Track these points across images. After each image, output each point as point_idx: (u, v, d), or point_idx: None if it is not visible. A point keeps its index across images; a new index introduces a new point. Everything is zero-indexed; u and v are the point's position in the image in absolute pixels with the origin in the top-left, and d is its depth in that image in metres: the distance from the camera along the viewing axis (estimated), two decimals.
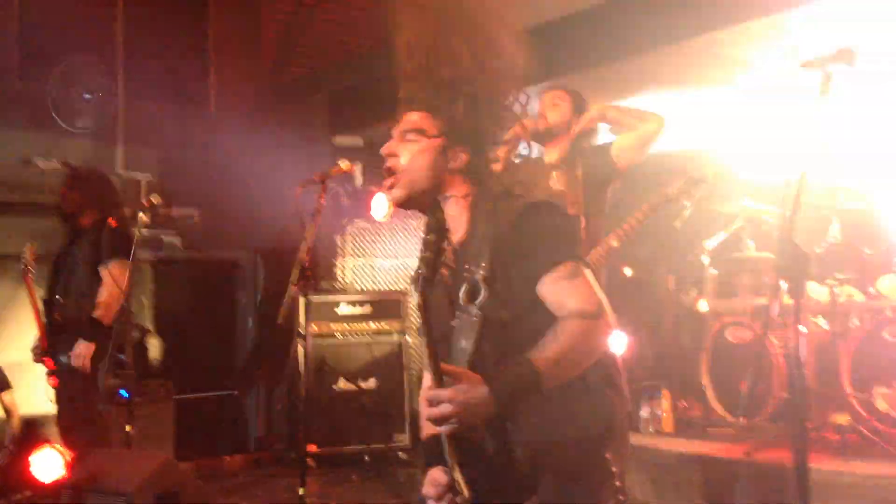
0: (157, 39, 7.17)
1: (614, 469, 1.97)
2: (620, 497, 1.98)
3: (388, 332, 6.17)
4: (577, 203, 3.61)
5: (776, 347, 4.94)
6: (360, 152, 6.87)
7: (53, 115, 6.26)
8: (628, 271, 6.82)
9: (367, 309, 6.16)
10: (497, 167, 2.13)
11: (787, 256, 1.70)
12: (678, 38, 4.39)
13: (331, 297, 6.15)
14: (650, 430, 5.09)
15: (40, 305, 4.82)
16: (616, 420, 2.04)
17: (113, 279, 4.54)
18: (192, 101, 7.32)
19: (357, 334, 6.11)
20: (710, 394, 5.37)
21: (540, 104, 3.86)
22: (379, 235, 6.66)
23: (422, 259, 2.01)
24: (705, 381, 5.38)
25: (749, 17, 4.07)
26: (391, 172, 2.10)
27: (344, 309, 6.13)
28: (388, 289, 6.57)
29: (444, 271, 2.12)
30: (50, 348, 4.75)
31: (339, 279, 6.58)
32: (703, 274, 5.82)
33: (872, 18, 4.03)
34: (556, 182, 3.73)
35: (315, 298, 5.88)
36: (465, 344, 1.97)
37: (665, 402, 5.17)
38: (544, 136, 3.83)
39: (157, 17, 7.22)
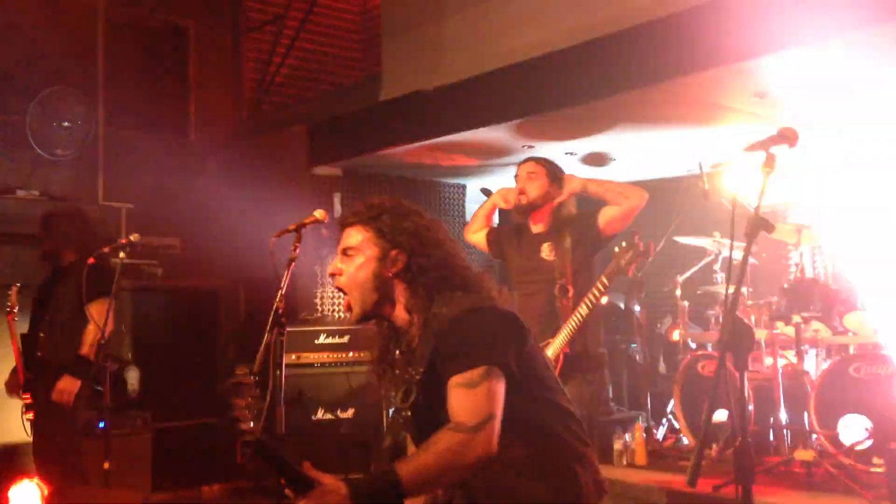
0: (137, 68, 7.23)
1: None
2: None
3: (366, 363, 6.20)
4: (566, 272, 3.80)
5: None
6: (339, 182, 6.95)
7: (32, 144, 6.29)
8: (604, 299, 6.92)
9: (345, 339, 6.21)
10: (443, 260, 2.22)
11: (731, 331, 1.78)
12: (653, 80, 4.50)
13: (309, 328, 6.20)
14: (623, 462, 5.16)
15: (19, 343, 4.86)
16: (584, 492, 2.11)
17: (95, 318, 4.61)
18: (171, 130, 7.37)
19: (335, 364, 6.15)
20: (682, 425, 5.47)
21: (517, 178, 4.06)
22: None
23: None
24: (678, 412, 5.47)
25: (718, 63, 4.18)
26: (342, 291, 2.24)
27: (322, 339, 6.18)
28: None
29: (396, 372, 2.26)
30: (29, 383, 4.79)
31: (318, 309, 6.64)
32: (676, 305, 5.93)
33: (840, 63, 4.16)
34: (547, 253, 3.91)
35: (293, 329, 5.93)
36: (388, 442, 2.10)
37: (638, 434, 5.25)
38: (527, 210, 4.03)
39: (138, 47, 7.29)
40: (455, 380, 2.00)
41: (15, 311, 4.71)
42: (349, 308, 2.24)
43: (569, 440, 2.16)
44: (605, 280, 3.71)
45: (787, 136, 2.02)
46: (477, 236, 4.36)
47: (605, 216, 3.94)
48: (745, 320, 1.86)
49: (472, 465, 1.94)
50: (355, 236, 2.22)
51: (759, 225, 1.92)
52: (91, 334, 4.64)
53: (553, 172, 4.09)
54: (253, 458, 2.00)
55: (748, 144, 2.02)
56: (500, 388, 2.01)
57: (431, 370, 2.08)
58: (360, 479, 1.96)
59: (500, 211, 4.52)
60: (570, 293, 3.81)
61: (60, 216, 5.03)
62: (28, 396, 4.80)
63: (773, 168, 1.98)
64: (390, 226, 2.20)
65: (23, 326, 4.95)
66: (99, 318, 4.58)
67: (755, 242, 2.03)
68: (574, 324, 3.71)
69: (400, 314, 2.22)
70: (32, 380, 4.77)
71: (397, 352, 2.30)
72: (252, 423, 2.05)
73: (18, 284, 4.75)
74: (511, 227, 4.28)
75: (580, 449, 2.18)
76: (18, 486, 4.60)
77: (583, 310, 3.71)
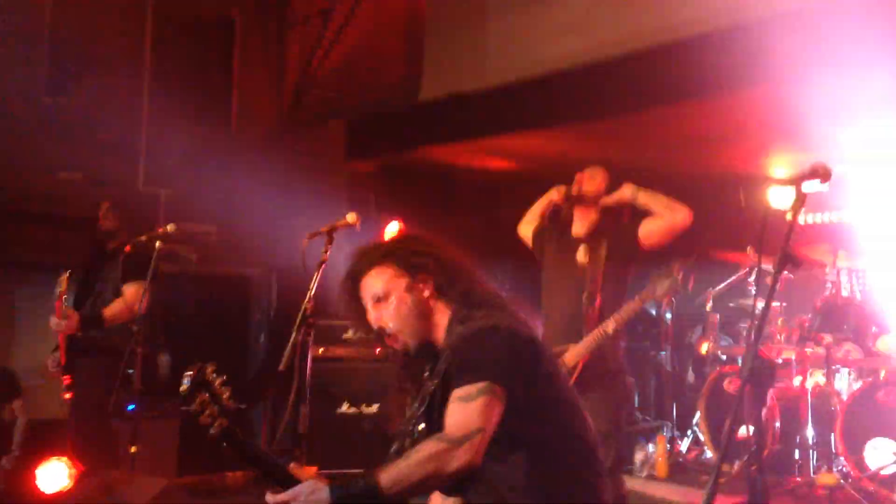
0: (183, 58, 7.31)
1: None
2: None
3: (392, 360, 6.26)
4: (596, 279, 3.78)
5: (772, 399, 5.00)
6: (375, 178, 7.00)
7: (77, 126, 6.40)
8: None
9: (372, 334, 6.24)
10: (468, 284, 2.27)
11: (753, 365, 1.77)
12: (695, 95, 4.49)
13: (337, 322, 6.25)
14: (644, 473, 5.14)
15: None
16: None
17: (126, 299, 4.70)
18: (214, 119, 7.44)
19: (361, 360, 6.20)
20: (706, 439, 5.43)
21: (578, 175, 4.06)
22: None
23: None
24: (702, 426, 5.44)
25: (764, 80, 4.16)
26: (394, 339, 2.28)
27: (350, 333, 6.23)
28: None
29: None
30: (69, 365, 4.89)
31: None
32: (706, 319, 5.88)
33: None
34: (582, 256, 3.88)
35: (322, 322, 5.98)
36: (395, 447, 2.17)
37: (660, 446, 5.23)
38: (576, 202, 4.03)
39: (185, 37, 7.37)
40: (455, 393, 2.04)
41: (64, 297, 4.80)
42: (405, 346, 2.27)
43: (577, 469, 2.15)
44: (637, 303, 3.66)
45: (819, 173, 2.01)
46: (526, 230, 4.35)
47: (646, 228, 3.88)
48: (768, 356, 1.84)
49: (451, 474, 1.98)
50: (379, 279, 2.26)
51: (786, 260, 1.91)
52: (117, 307, 4.70)
53: (612, 182, 4.04)
54: (225, 447, 2.11)
55: (780, 179, 2.01)
56: (496, 405, 2.03)
57: (444, 383, 2.12)
58: (341, 481, 2.01)
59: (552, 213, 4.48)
60: (598, 302, 3.77)
61: (119, 202, 5.14)
62: (67, 378, 4.90)
63: (804, 205, 1.97)
64: (408, 256, 2.25)
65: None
66: (132, 300, 4.67)
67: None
68: (598, 337, 3.68)
69: (439, 335, 2.26)
70: (72, 361, 4.87)
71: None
72: (215, 419, 2.12)
73: (69, 271, 4.82)
74: (555, 226, 4.26)
75: (589, 480, 2.16)
76: (48, 463, 4.74)
77: (609, 327, 3.68)
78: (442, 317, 2.24)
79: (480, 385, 2.02)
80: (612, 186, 4.07)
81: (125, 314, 4.71)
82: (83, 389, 4.82)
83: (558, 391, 2.20)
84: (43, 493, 4.70)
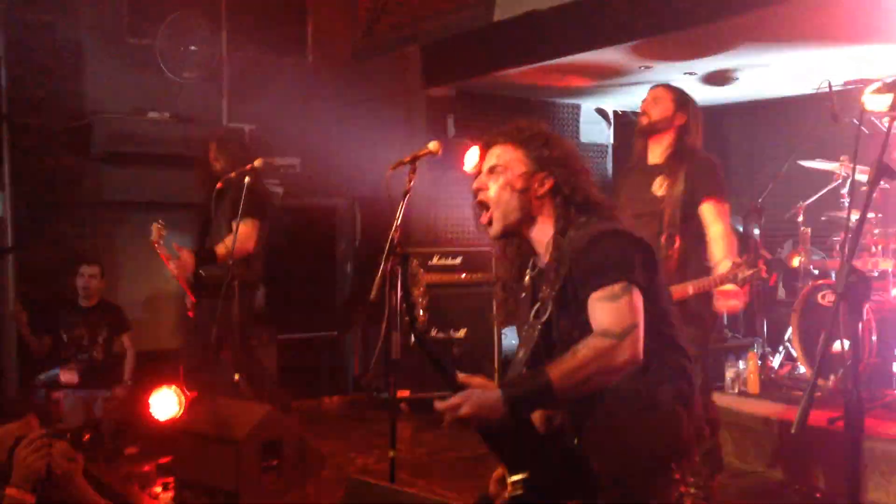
0: None
1: (677, 476, 2.10)
2: (683, 498, 2.12)
3: (478, 284, 6.35)
4: (674, 221, 3.68)
5: (868, 312, 4.88)
6: (453, 103, 6.96)
7: (162, 66, 6.54)
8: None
9: (457, 261, 6.34)
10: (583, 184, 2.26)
11: (848, 280, 1.74)
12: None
13: (423, 249, 6.34)
14: (735, 389, 5.12)
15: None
16: (683, 435, 2.13)
17: (240, 235, 4.86)
18: (290, 52, 7.50)
19: (448, 285, 6.29)
20: (799, 354, 5.36)
21: (642, 102, 3.92)
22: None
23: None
24: (795, 342, 5.36)
25: None
26: (484, 206, 2.27)
27: (435, 260, 6.31)
28: (478, 239, 6.71)
29: (522, 294, 2.32)
30: (197, 300, 5.10)
31: (432, 231, 6.76)
32: (797, 232, 5.73)
33: None
34: (659, 187, 3.77)
35: (410, 250, 6.08)
36: (522, 355, 2.15)
37: (752, 363, 5.19)
38: (647, 132, 3.90)
39: None
40: (596, 295, 2.05)
41: (156, 245, 4.98)
42: (489, 223, 2.28)
43: (680, 381, 2.17)
44: (716, 281, 3.56)
45: None
46: None
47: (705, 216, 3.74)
48: (863, 271, 1.81)
49: (618, 368, 2.00)
50: (504, 154, 2.26)
51: (882, 171, 1.84)
52: (229, 242, 4.88)
53: (680, 99, 3.90)
54: (417, 348, 2.19)
55: (876, 88, 1.93)
56: (640, 302, 2.05)
57: (566, 288, 2.13)
58: (512, 380, 2.07)
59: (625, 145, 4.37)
60: (677, 244, 3.68)
61: (228, 139, 5.31)
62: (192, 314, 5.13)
63: None
64: (540, 149, 2.25)
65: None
66: (243, 237, 4.86)
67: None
68: (678, 293, 3.51)
69: (536, 235, 2.27)
70: (199, 300, 5.07)
71: (527, 274, 2.35)
72: (421, 313, 2.24)
73: (161, 222, 4.99)
74: (630, 158, 4.14)
75: (689, 392, 2.18)
76: (160, 391, 5.02)
77: (689, 290, 3.56)
78: (545, 220, 2.25)
79: (621, 284, 2.04)
80: (679, 99, 3.91)
81: (238, 251, 4.87)
82: (205, 324, 5.02)
83: (668, 301, 2.22)
84: (156, 419, 5.00)
